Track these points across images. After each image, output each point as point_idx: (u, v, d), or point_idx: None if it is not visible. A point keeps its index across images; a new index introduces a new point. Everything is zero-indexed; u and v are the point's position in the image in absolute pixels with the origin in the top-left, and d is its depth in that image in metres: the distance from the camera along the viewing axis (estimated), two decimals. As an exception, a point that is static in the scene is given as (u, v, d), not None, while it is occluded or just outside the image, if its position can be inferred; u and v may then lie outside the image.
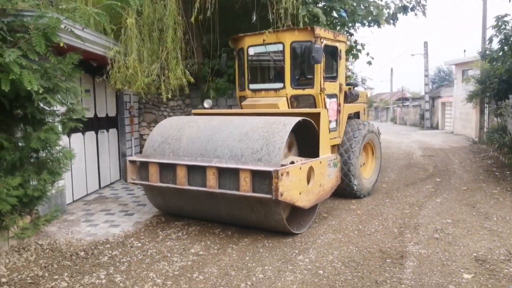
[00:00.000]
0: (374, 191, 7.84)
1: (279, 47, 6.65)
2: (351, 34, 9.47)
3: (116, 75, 6.44)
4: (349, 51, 9.33)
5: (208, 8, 6.92)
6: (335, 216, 6.10)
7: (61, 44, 4.44)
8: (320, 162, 5.37)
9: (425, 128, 29.29)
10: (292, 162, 5.00)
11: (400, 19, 9.37)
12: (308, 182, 5.08)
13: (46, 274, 3.93)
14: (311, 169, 5.11)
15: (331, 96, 6.75)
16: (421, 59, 31.41)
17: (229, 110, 6.83)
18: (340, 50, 6.96)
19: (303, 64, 7.15)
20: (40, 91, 3.94)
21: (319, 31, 6.39)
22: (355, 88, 7.67)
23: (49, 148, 4.56)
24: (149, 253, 4.53)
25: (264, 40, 6.66)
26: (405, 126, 35.94)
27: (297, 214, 5.40)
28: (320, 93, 6.46)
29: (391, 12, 8.88)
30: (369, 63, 9.94)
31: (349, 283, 3.80)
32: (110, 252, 4.57)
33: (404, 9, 8.88)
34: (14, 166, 4.37)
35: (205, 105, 7.17)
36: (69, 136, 6.50)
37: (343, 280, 3.86)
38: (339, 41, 6.94)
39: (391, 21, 8.98)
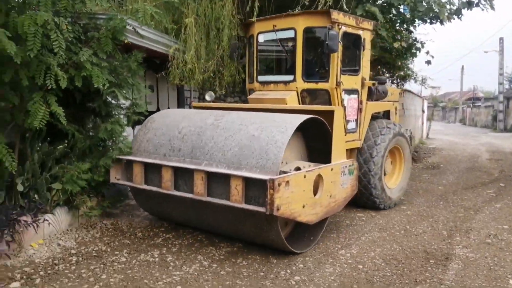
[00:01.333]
0: (417, 196, 7.62)
1: (291, 33, 5.88)
2: (411, 32, 9.23)
3: (175, 71, 6.90)
4: (408, 49, 9.10)
5: (266, 9, 7.14)
6: (383, 216, 6.08)
7: (126, 41, 4.89)
8: (332, 169, 4.51)
9: (498, 131, 27.42)
10: (298, 169, 4.33)
11: (469, 13, 8.98)
12: (315, 192, 4.29)
13: (109, 249, 4.41)
14: (319, 178, 4.29)
15: (350, 91, 5.96)
16: (496, 56, 29.37)
17: (231, 105, 6.08)
18: (364, 39, 6.13)
19: (317, 54, 6.38)
20: (106, 87, 4.41)
21: (336, 15, 5.58)
22: (384, 84, 6.77)
23: (114, 138, 5.06)
24: (198, 238, 4.88)
25: (274, 25, 5.92)
26: (475, 127, 33.84)
27: (305, 226, 4.55)
28: (336, 88, 5.67)
29: (454, 8, 8.52)
30: (428, 62, 9.57)
31: (387, 279, 3.85)
32: (164, 235, 4.98)
33: (469, 4, 8.48)
34: (84, 153, 4.92)
35: (207, 97, 6.40)
36: (133, 127, 7.08)
37: (382, 276, 3.92)
38: (362, 28, 6.09)
39: (455, 17, 8.61)
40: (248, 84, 6.66)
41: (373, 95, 6.42)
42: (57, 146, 4.84)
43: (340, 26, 5.67)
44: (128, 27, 4.88)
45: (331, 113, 4.79)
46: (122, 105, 5.26)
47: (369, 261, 4.30)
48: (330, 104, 5.71)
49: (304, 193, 4.01)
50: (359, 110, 6.13)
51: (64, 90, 4.17)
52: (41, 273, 3.78)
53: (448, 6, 8.45)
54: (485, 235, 5.21)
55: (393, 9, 8.43)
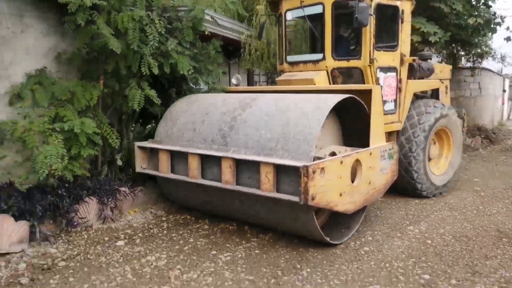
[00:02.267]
0: (493, 178, 7.33)
1: (319, 8, 5.50)
2: (489, 6, 8.73)
3: (247, 57, 7.28)
4: (486, 24, 8.63)
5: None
6: (454, 196, 6.04)
7: (206, 33, 5.34)
8: (370, 154, 4.21)
9: None
10: (333, 154, 4.09)
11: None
12: (353, 179, 4.02)
13: (193, 218, 4.96)
14: (357, 163, 4.01)
15: (387, 69, 5.50)
16: None
17: (258, 87, 5.76)
18: (403, 11, 5.60)
19: (348, 29, 6.11)
20: (191, 73, 4.90)
21: None
22: (429, 60, 6.14)
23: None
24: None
25: (301, 1, 5.60)
26: None
27: (342, 215, 4.28)
28: (370, 66, 5.24)
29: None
30: (508, 39, 8.98)
31: (456, 254, 3.96)
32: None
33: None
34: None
35: (233, 81, 6.05)
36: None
37: (451, 251, 4.03)
38: None
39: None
40: (278, 65, 6.38)
41: (415, 72, 5.93)
42: (146, 126, 5.47)
43: None
44: (206, 17, 5.32)
45: (368, 93, 4.45)
46: (201, 90, 5.76)
47: (438, 237, 4.40)
48: (363, 83, 5.35)
49: (341, 180, 3.73)
50: (398, 89, 5.64)
51: (152, 77, 4.72)
52: (140, 234, 4.40)
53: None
54: None
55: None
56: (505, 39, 8.91)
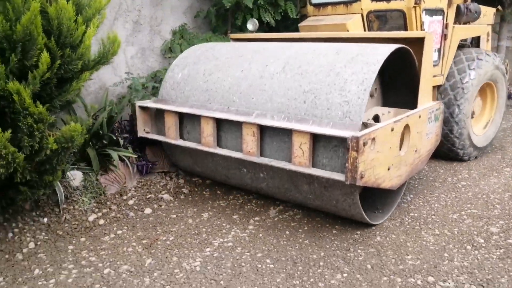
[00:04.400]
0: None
1: None
2: None
3: None
4: None
5: None
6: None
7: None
8: (420, 116, 3.54)
9: None
10: (376, 117, 3.58)
11: None
12: (400, 147, 3.34)
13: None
14: (406, 128, 3.32)
15: (432, 12, 4.69)
16: None
17: (280, 35, 4.70)
18: None
19: None
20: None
21: None
22: (476, 1, 5.32)
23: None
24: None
25: None
26: None
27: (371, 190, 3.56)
28: (415, 7, 4.44)
29: None
30: None
31: (553, 191, 4.30)
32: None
33: None
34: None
35: (249, 26, 5.05)
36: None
37: (547, 188, 4.37)
38: None
39: None
40: (300, 8, 5.59)
41: (462, 16, 5.09)
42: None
43: None
44: None
45: (418, 42, 3.76)
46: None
47: (535, 178, 4.72)
48: (405, 29, 4.60)
49: (390, 151, 3.09)
50: (444, 36, 4.83)
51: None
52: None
53: None
54: None
55: None
56: None
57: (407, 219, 3.66)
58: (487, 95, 5.61)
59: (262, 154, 3.36)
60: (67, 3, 2.50)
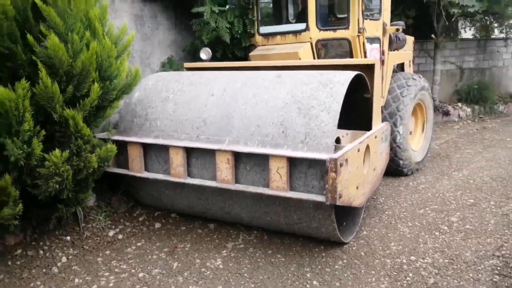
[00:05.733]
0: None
1: None
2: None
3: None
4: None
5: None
6: (489, 151, 7.17)
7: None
8: (375, 137, 3.73)
9: None
10: (338, 140, 3.66)
11: None
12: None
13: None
14: (367, 149, 3.45)
15: (372, 40, 5.06)
16: None
17: (232, 63, 4.76)
18: None
19: None
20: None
21: None
22: (403, 30, 5.68)
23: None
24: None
25: None
26: None
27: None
28: (358, 36, 4.76)
29: None
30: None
31: (493, 188, 5.19)
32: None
33: None
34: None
35: (202, 55, 5.03)
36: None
37: (489, 187, 5.26)
38: None
39: None
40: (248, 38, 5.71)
41: (393, 43, 5.53)
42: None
43: None
44: None
45: (368, 68, 3.95)
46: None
47: (478, 178, 5.63)
48: (350, 55, 4.92)
49: (357, 171, 3.18)
50: (382, 62, 5.16)
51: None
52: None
53: None
54: None
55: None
56: (536, 12, 9.72)
57: (383, 216, 4.34)
58: (417, 114, 6.03)
59: (237, 181, 3.28)
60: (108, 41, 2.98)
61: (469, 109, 10.57)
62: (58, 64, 2.57)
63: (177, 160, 3.42)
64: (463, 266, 3.28)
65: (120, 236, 3.91)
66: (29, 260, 3.39)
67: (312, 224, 3.33)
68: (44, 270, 3.30)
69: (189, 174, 3.51)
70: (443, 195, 4.98)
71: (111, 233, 3.93)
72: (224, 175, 3.24)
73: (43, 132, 2.63)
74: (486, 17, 10.70)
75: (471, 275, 3.15)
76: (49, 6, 2.50)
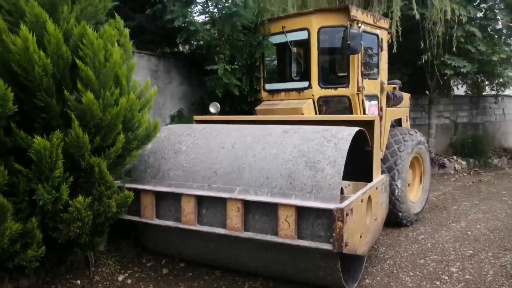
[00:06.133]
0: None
1: (304, 34, 5.35)
2: (509, 44, 10.20)
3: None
4: (506, 60, 10.07)
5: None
6: (486, 204, 7.37)
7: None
8: (376, 188, 3.98)
9: None
10: (341, 191, 3.67)
11: None
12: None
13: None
14: (369, 199, 3.69)
15: (370, 97, 5.46)
16: None
17: (240, 117, 5.15)
18: (382, 39, 5.68)
19: (334, 57, 6.08)
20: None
21: (355, 12, 5.08)
22: (399, 88, 6.09)
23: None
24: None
25: (283, 27, 5.46)
26: None
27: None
28: (358, 94, 5.16)
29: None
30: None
31: (491, 239, 5.34)
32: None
33: None
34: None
35: (212, 109, 5.38)
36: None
37: (486, 238, 5.41)
38: (380, 27, 5.63)
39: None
40: (254, 94, 6.15)
41: (390, 100, 6.00)
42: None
43: (359, 24, 5.19)
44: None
45: (368, 124, 4.27)
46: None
47: (476, 230, 5.78)
48: (350, 111, 5.28)
49: (360, 220, 3.36)
50: (380, 117, 5.42)
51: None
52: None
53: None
54: None
55: (489, 28, 9.57)
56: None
57: (385, 266, 4.46)
58: (415, 168, 6.29)
59: (246, 229, 3.38)
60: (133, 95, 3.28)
61: (464, 162, 10.86)
62: (90, 117, 2.84)
63: (189, 207, 3.57)
64: (464, 315, 3.39)
65: (129, 281, 4.00)
66: (41, 303, 3.48)
67: (318, 272, 3.41)
68: (56, 313, 3.38)
69: (199, 222, 3.63)
70: (442, 245, 5.11)
71: (120, 277, 4.02)
72: (234, 223, 3.37)
73: (71, 179, 2.85)
74: (477, 76, 11.30)
75: (472, 324, 3.26)
76: (87, 66, 2.81)
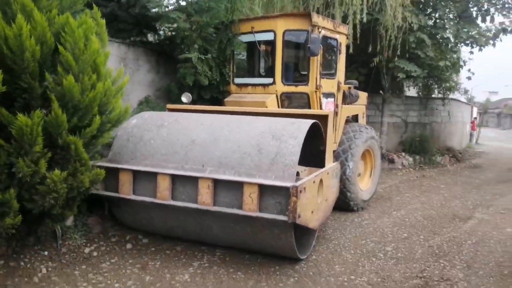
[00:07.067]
0: (455, 185, 9.49)
1: (270, 35, 5.92)
2: (455, 52, 11.13)
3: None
4: (452, 66, 10.99)
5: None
6: (425, 196, 8.16)
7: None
8: (328, 173, 4.58)
9: (552, 137, 27.60)
10: (298, 174, 4.29)
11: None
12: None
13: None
14: (320, 182, 4.26)
15: (327, 95, 6.07)
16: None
17: (209, 107, 5.62)
18: (340, 43, 6.28)
19: (296, 57, 6.68)
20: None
21: (316, 18, 5.68)
22: (355, 87, 6.78)
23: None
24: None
25: (252, 27, 6.05)
26: (530, 134, 33.76)
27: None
28: (316, 91, 5.76)
29: (491, 35, 10.39)
30: (469, 78, 11.47)
31: (424, 225, 6.03)
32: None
33: (504, 30, 10.32)
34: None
35: (184, 99, 5.80)
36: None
37: (420, 224, 6.10)
38: (339, 32, 6.26)
39: (491, 42, 10.47)
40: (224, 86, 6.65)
41: (347, 98, 6.57)
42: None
43: (320, 29, 5.74)
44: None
45: (323, 117, 4.87)
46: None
47: (413, 217, 6.48)
48: (309, 107, 5.87)
49: (312, 198, 3.96)
50: (335, 113, 6.14)
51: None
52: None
53: (488, 33, 10.31)
54: (501, 208, 7.21)
55: (438, 36, 10.41)
56: (466, 77, 11.36)
57: (330, 245, 5.00)
58: (367, 160, 7.06)
59: (215, 204, 3.87)
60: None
61: (411, 159, 11.76)
62: (69, 99, 3.11)
63: (164, 185, 4.01)
64: (392, 284, 3.97)
65: (95, 253, 4.29)
66: (11, 270, 3.72)
67: (275, 242, 3.99)
68: (26, 279, 3.64)
69: (173, 198, 4.06)
70: (382, 230, 5.74)
71: (86, 250, 4.30)
72: (204, 198, 3.86)
73: (49, 154, 3.12)
74: (427, 79, 12.21)
75: (397, 290, 3.84)
76: (68, 53, 3.07)
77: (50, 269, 3.86)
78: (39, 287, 3.56)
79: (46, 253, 4.08)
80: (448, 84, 12.38)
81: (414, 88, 13.49)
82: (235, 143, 4.04)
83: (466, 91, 12.72)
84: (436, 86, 13.04)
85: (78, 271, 3.92)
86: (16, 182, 3.15)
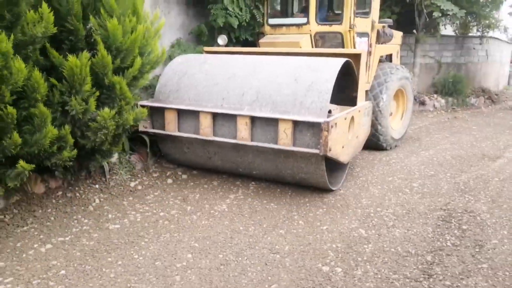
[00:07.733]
0: (487, 126, 9.33)
1: None
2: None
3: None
4: (492, 1, 10.39)
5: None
6: (455, 136, 8.15)
7: None
8: (359, 111, 4.77)
9: None
10: (330, 111, 4.35)
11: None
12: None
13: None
14: (351, 119, 4.49)
15: (361, 34, 6.07)
16: None
17: (245, 49, 5.82)
18: None
19: None
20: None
21: None
22: (389, 27, 6.66)
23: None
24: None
25: None
26: None
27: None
28: (350, 31, 5.78)
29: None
30: (511, 14, 10.78)
31: (452, 164, 6.14)
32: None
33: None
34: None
35: (220, 41, 5.98)
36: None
37: (448, 163, 6.20)
38: None
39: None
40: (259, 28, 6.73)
41: (381, 38, 6.51)
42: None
43: None
44: None
45: (356, 57, 5.00)
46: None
47: (441, 157, 6.57)
48: (342, 46, 5.93)
49: (343, 134, 4.20)
50: (369, 53, 6.14)
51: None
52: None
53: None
54: (533, 148, 7.18)
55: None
56: (508, 13, 10.71)
57: (358, 181, 5.23)
58: (399, 100, 7.17)
59: (252, 139, 4.24)
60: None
61: (443, 100, 11.55)
62: (112, 41, 3.31)
63: (206, 122, 4.40)
64: (416, 215, 4.20)
65: (139, 187, 4.70)
66: (68, 200, 4.17)
67: (308, 174, 4.36)
68: (82, 208, 4.08)
69: (215, 134, 4.46)
70: (409, 168, 5.90)
71: (132, 184, 4.72)
72: (243, 134, 4.23)
73: (97, 93, 3.39)
74: (464, 17, 11.62)
75: (421, 220, 4.07)
76: (109, -4, 3.24)
77: (102, 199, 4.30)
78: (95, 214, 4.00)
79: (97, 186, 4.51)
80: (487, 21, 11.76)
81: (451, 26, 12.89)
82: (273, 73, 4.33)
83: (506, 29, 12.00)
84: (474, 23, 12.42)
85: (126, 201, 4.34)
86: (69, 119, 3.46)
